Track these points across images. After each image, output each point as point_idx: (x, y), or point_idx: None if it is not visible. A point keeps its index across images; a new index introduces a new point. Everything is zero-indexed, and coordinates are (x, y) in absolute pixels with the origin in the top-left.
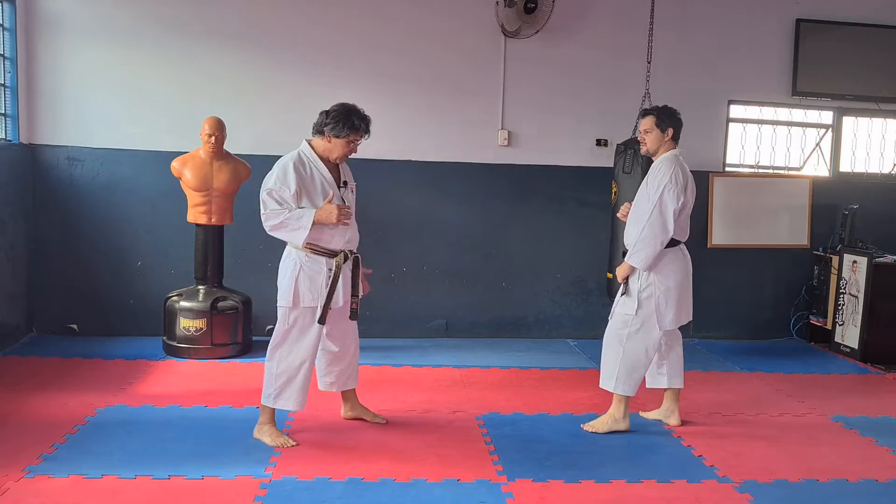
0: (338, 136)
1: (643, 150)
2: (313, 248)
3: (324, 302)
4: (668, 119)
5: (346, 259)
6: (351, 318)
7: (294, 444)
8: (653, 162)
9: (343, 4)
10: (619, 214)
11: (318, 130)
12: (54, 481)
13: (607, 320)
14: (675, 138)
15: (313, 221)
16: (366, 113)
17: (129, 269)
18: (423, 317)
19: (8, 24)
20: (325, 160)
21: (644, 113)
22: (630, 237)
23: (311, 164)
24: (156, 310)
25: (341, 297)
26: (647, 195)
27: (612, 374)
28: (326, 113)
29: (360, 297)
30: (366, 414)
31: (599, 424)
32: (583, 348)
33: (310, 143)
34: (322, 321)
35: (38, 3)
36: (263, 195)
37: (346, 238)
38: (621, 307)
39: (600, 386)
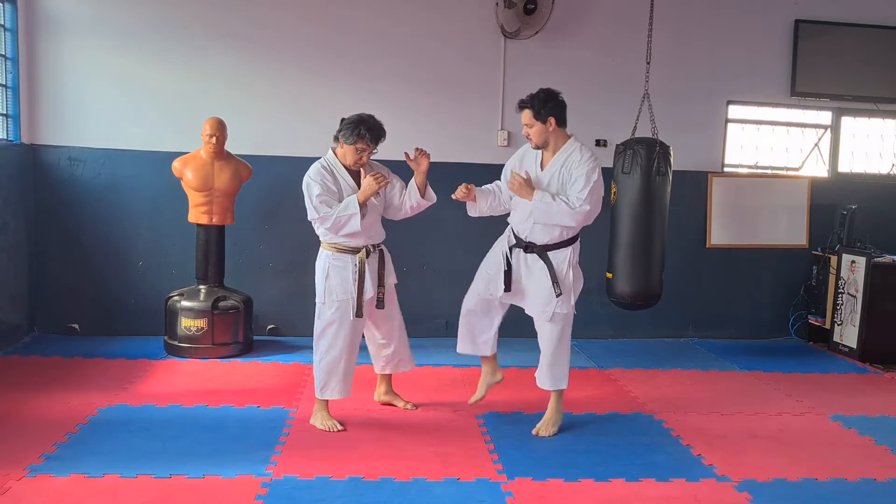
0: (346, 143)
1: (531, 145)
2: (337, 247)
3: (356, 295)
4: (545, 108)
5: (368, 254)
6: (377, 307)
7: (342, 428)
8: (574, 153)
9: (344, 5)
10: (458, 195)
11: (335, 137)
12: (56, 480)
13: (607, 320)
14: (562, 123)
15: (360, 202)
16: (380, 124)
17: (131, 269)
18: (423, 317)
19: (9, 24)
20: (346, 165)
21: (520, 106)
22: (543, 231)
23: (333, 168)
24: (157, 309)
25: (370, 288)
26: (572, 179)
27: (565, 375)
28: (342, 120)
29: (385, 287)
30: (396, 400)
31: (551, 426)
32: (582, 348)
33: (333, 151)
34: (360, 314)
35: (40, 3)
36: (315, 202)
37: (368, 235)
38: (560, 308)
39: (555, 388)
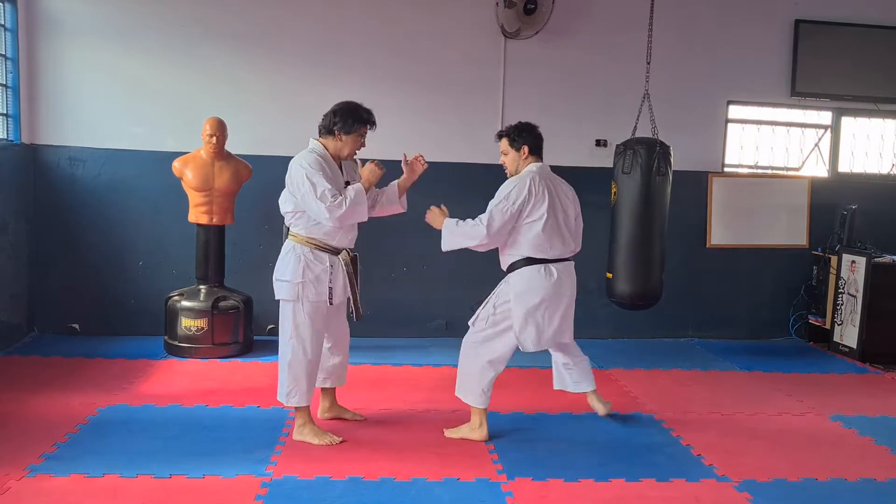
0: (348, 133)
1: (507, 172)
2: (316, 243)
3: (341, 297)
4: (519, 137)
5: (348, 255)
6: (349, 314)
7: (340, 440)
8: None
9: (344, 5)
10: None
11: (328, 130)
12: (56, 480)
13: (607, 320)
14: (535, 152)
15: (366, 189)
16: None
17: (131, 269)
18: (423, 317)
19: (9, 24)
20: (335, 158)
21: (498, 136)
22: None
23: (326, 161)
24: (157, 309)
25: (342, 292)
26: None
27: (463, 385)
28: (333, 112)
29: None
30: (344, 413)
31: (456, 432)
32: (582, 348)
33: (320, 143)
34: (358, 317)
35: (40, 3)
36: (319, 191)
37: (349, 237)
38: (481, 317)
39: (455, 394)
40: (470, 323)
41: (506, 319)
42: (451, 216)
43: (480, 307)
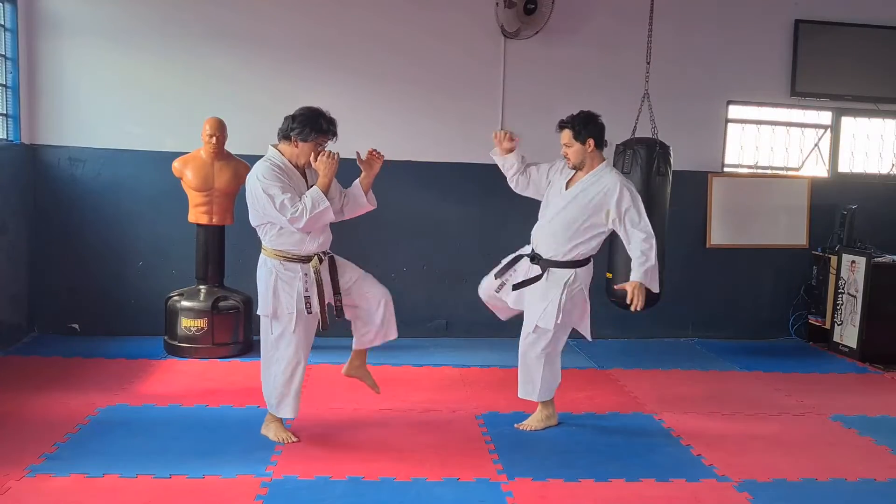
0: (305, 140)
1: (568, 165)
2: (285, 255)
3: (319, 307)
4: (584, 129)
5: (320, 261)
6: (336, 315)
7: (296, 440)
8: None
9: (344, 5)
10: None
11: (285, 136)
12: (56, 480)
13: (607, 320)
14: (600, 146)
15: (324, 191)
16: (332, 116)
17: (131, 269)
18: (423, 317)
19: (9, 24)
20: (295, 166)
21: (560, 126)
22: (549, 244)
23: (285, 168)
24: (157, 309)
25: (326, 298)
26: (611, 210)
27: (536, 388)
28: (293, 118)
29: (343, 293)
30: (367, 378)
31: (534, 422)
32: (582, 348)
33: (277, 149)
34: (325, 325)
35: (40, 3)
36: (278, 203)
37: (318, 242)
38: (543, 321)
39: (527, 398)
40: (540, 323)
41: (568, 315)
42: (451, 216)
43: (549, 306)
